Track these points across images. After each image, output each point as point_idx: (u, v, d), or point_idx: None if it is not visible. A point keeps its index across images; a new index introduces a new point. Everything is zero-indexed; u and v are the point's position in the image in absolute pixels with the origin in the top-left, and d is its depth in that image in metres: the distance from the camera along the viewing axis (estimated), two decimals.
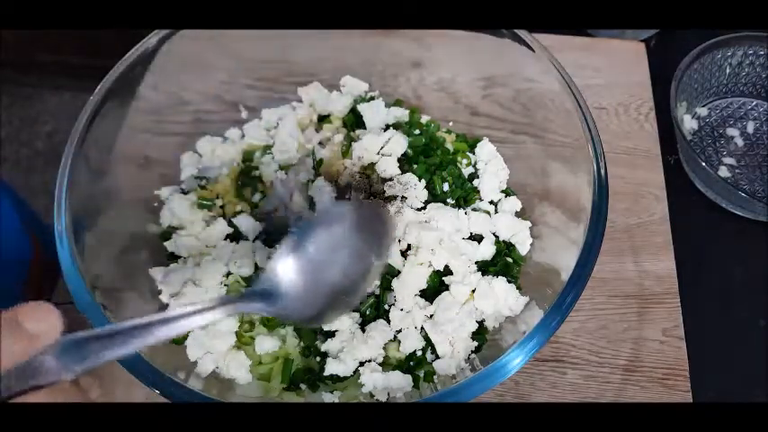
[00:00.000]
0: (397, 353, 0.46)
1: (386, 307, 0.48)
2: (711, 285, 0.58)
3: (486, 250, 0.50)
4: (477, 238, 0.51)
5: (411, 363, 0.46)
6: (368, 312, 0.47)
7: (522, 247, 0.52)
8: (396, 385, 0.44)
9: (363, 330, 0.46)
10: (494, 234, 0.52)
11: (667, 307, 0.55)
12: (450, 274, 0.49)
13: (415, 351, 0.46)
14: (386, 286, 0.48)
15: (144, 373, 0.37)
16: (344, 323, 0.46)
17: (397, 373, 0.45)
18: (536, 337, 0.38)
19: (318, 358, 0.46)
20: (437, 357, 0.46)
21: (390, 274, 0.48)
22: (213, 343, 0.45)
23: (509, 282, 0.48)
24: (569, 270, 0.40)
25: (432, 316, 0.47)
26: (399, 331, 0.47)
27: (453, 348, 0.46)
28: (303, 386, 0.45)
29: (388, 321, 0.47)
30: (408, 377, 0.45)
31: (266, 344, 0.45)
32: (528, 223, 0.52)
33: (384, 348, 0.46)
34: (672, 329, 0.54)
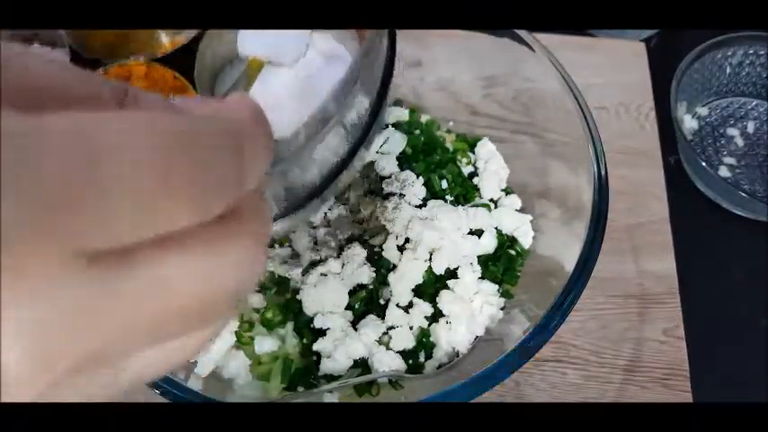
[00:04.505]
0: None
1: (381, 302, 0.48)
2: (712, 285, 0.58)
3: (488, 244, 0.50)
4: (478, 233, 0.51)
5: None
6: (356, 306, 0.47)
7: (525, 240, 0.52)
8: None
9: (355, 328, 0.46)
10: (495, 228, 0.52)
11: (668, 307, 0.55)
12: (452, 276, 0.49)
13: (405, 349, 0.46)
14: (381, 280, 0.48)
15: None
16: (336, 322, 0.46)
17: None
18: (536, 338, 0.38)
19: (315, 357, 0.46)
20: (429, 357, 0.47)
21: (386, 268, 0.49)
22: (212, 343, 0.45)
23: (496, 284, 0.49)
24: (570, 268, 0.40)
25: (431, 317, 0.47)
26: (392, 328, 0.47)
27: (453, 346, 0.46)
28: (301, 388, 0.45)
29: (382, 316, 0.47)
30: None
31: (266, 344, 0.45)
32: (529, 216, 0.52)
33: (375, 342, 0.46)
34: (672, 329, 0.54)
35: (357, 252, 0.48)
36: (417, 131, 0.57)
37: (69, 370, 0.12)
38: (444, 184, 0.54)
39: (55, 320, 0.11)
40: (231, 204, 0.14)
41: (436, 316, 0.47)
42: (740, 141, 0.67)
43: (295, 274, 0.48)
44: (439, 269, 0.48)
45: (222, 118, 0.14)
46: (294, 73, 0.29)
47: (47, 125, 0.11)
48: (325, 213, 0.51)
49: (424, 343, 0.47)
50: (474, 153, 0.57)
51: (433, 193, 0.53)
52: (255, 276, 0.15)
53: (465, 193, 0.54)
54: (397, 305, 0.47)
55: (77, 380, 0.13)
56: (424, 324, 0.47)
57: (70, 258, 0.11)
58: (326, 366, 0.45)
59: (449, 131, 0.60)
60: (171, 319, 0.13)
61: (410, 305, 0.48)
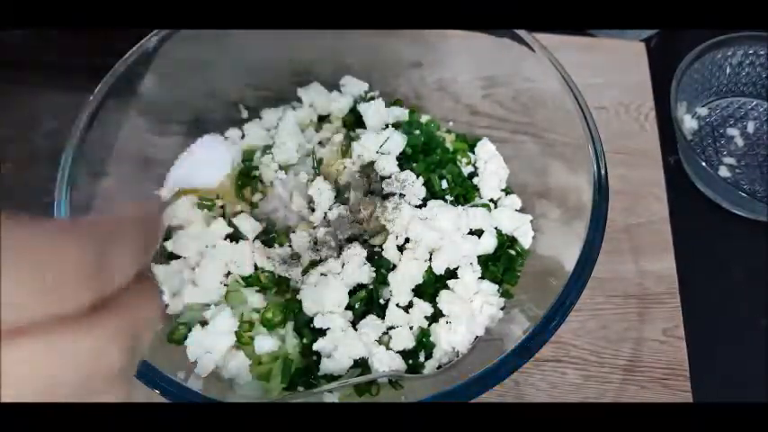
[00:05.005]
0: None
1: (381, 302, 0.48)
2: (711, 285, 0.58)
3: (488, 244, 0.50)
4: (478, 233, 0.51)
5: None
6: (356, 306, 0.47)
7: (525, 240, 0.52)
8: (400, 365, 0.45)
9: (355, 328, 0.46)
10: (495, 228, 0.52)
11: (667, 307, 0.55)
12: (452, 276, 0.49)
13: (405, 349, 0.46)
14: (381, 280, 0.48)
15: (144, 373, 0.37)
16: (336, 322, 0.46)
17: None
18: (536, 338, 0.38)
19: (315, 357, 0.46)
20: (429, 357, 0.47)
21: (386, 267, 0.49)
22: (213, 343, 0.45)
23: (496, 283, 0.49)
24: (570, 268, 0.40)
25: (431, 317, 0.47)
26: (392, 327, 0.47)
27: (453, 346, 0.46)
28: (301, 388, 0.46)
29: (382, 316, 0.47)
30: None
31: (266, 344, 0.45)
32: (529, 216, 0.52)
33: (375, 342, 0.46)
34: (672, 329, 0.54)
35: (357, 252, 0.48)
36: (417, 131, 0.57)
37: None
38: (444, 184, 0.54)
39: None
40: (101, 295, 0.16)
41: (436, 316, 0.47)
42: (740, 141, 0.67)
43: (295, 274, 0.48)
44: (439, 269, 0.48)
45: (97, 229, 0.17)
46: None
47: None
48: (325, 213, 0.51)
49: (424, 343, 0.47)
50: (474, 153, 0.57)
51: (433, 193, 0.53)
52: (114, 361, 0.17)
53: (465, 193, 0.54)
54: (397, 305, 0.47)
55: None
56: (424, 324, 0.47)
57: None
58: (326, 366, 0.45)
59: (449, 131, 0.60)
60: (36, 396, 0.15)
61: (410, 305, 0.48)
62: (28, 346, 0.15)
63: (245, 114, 0.60)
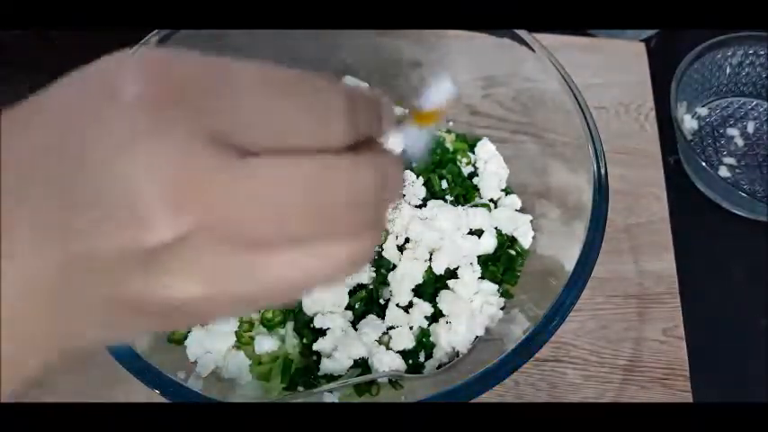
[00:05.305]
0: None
1: (381, 302, 0.48)
2: (711, 285, 0.58)
3: (488, 244, 0.50)
4: (478, 233, 0.51)
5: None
6: (356, 306, 0.47)
7: (525, 240, 0.52)
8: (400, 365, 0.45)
9: (356, 328, 0.46)
10: (495, 228, 0.52)
11: (667, 307, 0.55)
12: (452, 276, 0.49)
13: (405, 349, 0.46)
14: (381, 280, 0.48)
15: (144, 373, 0.37)
16: (336, 322, 0.46)
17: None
18: (536, 338, 0.38)
19: (315, 357, 0.46)
20: (429, 357, 0.47)
21: (386, 267, 0.49)
22: (213, 343, 0.45)
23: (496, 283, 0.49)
24: (570, 268, 0.40)
25: (431, 317, 0.47)
26: (392, 327, 0.47)
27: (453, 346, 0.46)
28: (301, 388, 0.46)
29: (382, 316, 0.47)
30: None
31: (266, 344, 0.45)
32: (529, 216, 0.52)
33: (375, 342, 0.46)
34: (672, 329, 0.54)
35: None
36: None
37: (196, 230, 0.15)
38: (444, 184, 0.54)
39: (179, 177, 0.15)
40: (349, 143, 0.18)
41: (436, 316, 0.48)
42: (740, 141, 0.67)
43: None
44: (439, 269, 0.48)
45: (349, 94, 0.19)
46: None
47: None
48: None
49: (424, 343, 0.47)
50: (474, 153, 0.57)
51: (433, 193, 0.53)
52: (367, 193, 0.18)
53: (465, 193, 0.54)
54: (397, 305, 0.47)
55: (208, 249, 0.15)
56: (424, 324, 0.47)
57: (195, 135, 0.15)
58: (326, 366, 0.45)
59: (449, 131, 0.60)
60: (290, 214, 0.16)
61: (410, 305, 0.48)
62: (288, 162, 0.16)
63: None
